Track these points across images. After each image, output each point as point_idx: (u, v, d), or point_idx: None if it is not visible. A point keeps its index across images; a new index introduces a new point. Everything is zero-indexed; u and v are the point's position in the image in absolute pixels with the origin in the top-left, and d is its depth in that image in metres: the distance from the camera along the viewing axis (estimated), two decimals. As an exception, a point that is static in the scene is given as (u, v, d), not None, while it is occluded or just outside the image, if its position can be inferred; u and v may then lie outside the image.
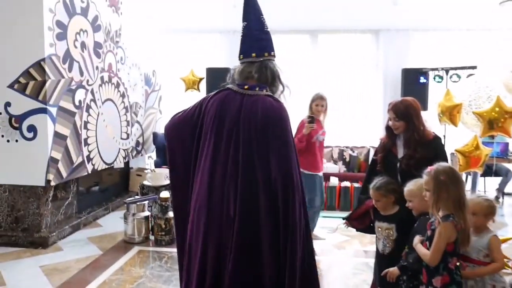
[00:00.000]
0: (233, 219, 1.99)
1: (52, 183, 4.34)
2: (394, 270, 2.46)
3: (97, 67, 5.09)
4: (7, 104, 4.25)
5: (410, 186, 2.49)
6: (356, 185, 6.11)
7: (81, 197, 5.27)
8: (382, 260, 2.76)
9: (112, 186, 6.10)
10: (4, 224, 4.50)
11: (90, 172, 5.03)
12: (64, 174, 4.52)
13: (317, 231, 4.82)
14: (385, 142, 2.86)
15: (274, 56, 2.24)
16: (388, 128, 2.84)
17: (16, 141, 4.28)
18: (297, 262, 2.00)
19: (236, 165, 2.04)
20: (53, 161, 4.31)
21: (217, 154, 2.07)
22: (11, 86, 4.21)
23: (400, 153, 2.76)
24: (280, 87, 2.24)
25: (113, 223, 5.15)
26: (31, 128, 4.23)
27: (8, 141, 4.29)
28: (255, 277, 2.00)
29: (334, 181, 6.22)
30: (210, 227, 2.02)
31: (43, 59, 4.13)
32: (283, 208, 1.99)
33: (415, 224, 2.45)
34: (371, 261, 4.06)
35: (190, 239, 2.09)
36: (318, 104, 4.56)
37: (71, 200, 5.01)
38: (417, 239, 2.30)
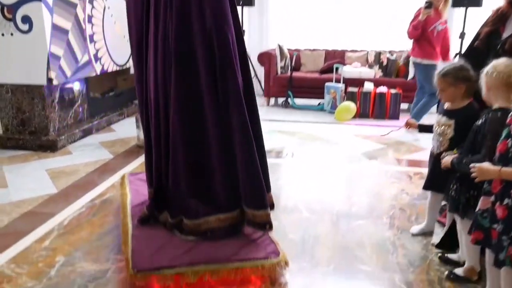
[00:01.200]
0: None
1: (55, 82, 3.94)
2: (448, 159, 2.00)
3: (99, -49, 4.43)
4: (-3, -9, 3.73)
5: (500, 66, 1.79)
6: (393, 91, 5.48)
7: (94, 102, 4.90)
8: (433, 162, 2.31)
9: (127, 91, 5.68)
10: (11, 127, 4.20)
11: (99, 73, 4.59)
12: (68, 73, 4.09)
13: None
14: (503, 11, 2.29)
15: None
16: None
17: (11, 34, 3.81)
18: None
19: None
20: (54, 57, 3.86)
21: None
22: (-1, -31, 3.66)
23: (507, 33, 2.23)
24: None
25: (127, 128, 4.81)
26: (26, 19, 3.74)
27: (2, 34, 3.83)
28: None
29: (368, 86, 5.59)
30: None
31: None
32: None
33: (480, 121, 1.89)
34: (411, 170, 3.61)
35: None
36: None
37: (81, 103, 4.64)
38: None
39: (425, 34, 4.49)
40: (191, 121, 2.18)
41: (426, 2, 4.33)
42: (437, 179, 2.31)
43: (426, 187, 2.45)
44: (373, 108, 5.50)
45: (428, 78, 4.14)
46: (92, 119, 4.81)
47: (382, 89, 5.52)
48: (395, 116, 5.44)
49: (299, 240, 2.43)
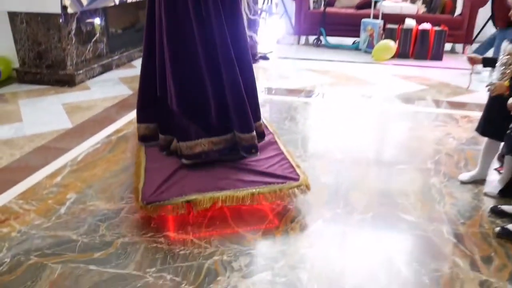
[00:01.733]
0: None
1: (70, 10, 3.66)
2: None
3: None
4: None
5: None
6: (437, 28, 4.96)
7: (114, 37, 4.63)
8: (490, 103, 1.99)
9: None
10: (27, 60, 3.99)
11: (117, 2, 4.27)
12: (84, 2, 3.80)
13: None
14: None
15: None
16: None
17: (21, -46, 3.51)
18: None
19: None
20: (67, -18, 3.56)
21: None
22: None
23: None
24: None
25: (148, 65, 4.54)
26: None
27: (12, -45, 3.53)
28: None
29: (410, 23, 5.07)
30: None
31: None
32: None
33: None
34: (457, 113, 3.24)
35: None
36: None
37: (100, 37, 4.37)
38: None
39: None
40: (181, 43, 2.05)
41: None
42: (493, 122, 2.00)
43: (481, 131, 2.13)
44: (414, 47, 5.02)
45: None
46: (112, 55, 4.55)
47: (425, 26, 5.00)
48: (438, 57, 4.97)
49: (332, 184, 2.18)
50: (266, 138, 2.29)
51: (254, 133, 2.11)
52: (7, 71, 4.01)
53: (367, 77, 4.23)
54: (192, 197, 1.79)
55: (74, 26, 3.94)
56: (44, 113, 3.17)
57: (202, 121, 2.09)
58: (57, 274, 1.55)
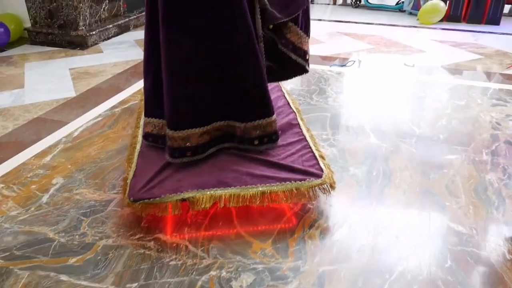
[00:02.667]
0: None
1: (79, -37, 3.31)
2: None
3: None
4: None
5: None
6: (496, -13, 4.31)
7: (131, -7, 4.26)
8: None
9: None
10: (39, 20, 3.72)
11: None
12: (96, -47, 3.43)
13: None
14: None
15: None
16: None
17: None
18: None
19: None
20: None
21: None
22: None
23: None
24: None
25: (168, 26, 4.18)
26: None
27: None
28: None
29: (464, -20, 4.44)
30: None
31: None
32: None
33: None
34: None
35: None
36: None
37: (116, -6, 4.03)
38: None
39: None
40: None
41: None
42: None
43: None
44: (467, 9, 4.41)
45: None
46: (129, 14, 4.21)
47: (482, -16, 4.36)
48: (495, 21, 4.34)
49: (364, 178, 1.80)
50: (286, 119, 1.92)
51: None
52: (19, 31, 3.76)
53: (411, 44, 3.71)
54: (190, 194, 1.47)
55: (86, -19, 3.61)
56: (48, 79, 2.90)
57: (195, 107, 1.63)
58: (21, 284, 1.29)
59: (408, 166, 1.89)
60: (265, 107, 1.65)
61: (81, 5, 3.59)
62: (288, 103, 2.11)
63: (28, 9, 3.71)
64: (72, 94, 2.66)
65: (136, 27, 4.19)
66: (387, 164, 1.90)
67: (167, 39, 1.52)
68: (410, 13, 4.69)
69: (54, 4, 3.59)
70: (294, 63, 1.80)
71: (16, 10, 3.76)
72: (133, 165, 1.64)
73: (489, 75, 3.00)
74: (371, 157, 1.95)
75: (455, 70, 3.10)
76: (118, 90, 2.70)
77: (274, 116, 1.68)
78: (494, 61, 3.29)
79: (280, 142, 1.73)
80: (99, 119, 2.32)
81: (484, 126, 2.26)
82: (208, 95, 1.60)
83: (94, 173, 1.83)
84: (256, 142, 1.67)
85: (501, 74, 3.01)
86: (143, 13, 4.33)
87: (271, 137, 1.68)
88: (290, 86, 2.67)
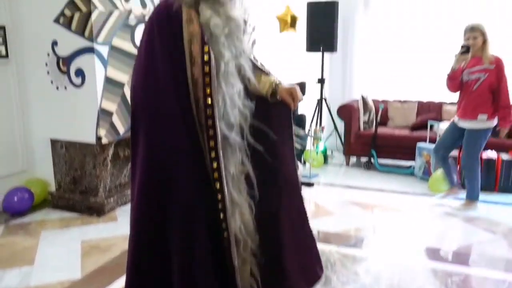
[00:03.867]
0: None
1: (104, 141, 3.61)
2: None
3: (166, -1, 4.14)
4: (54, 43, 3.54)
5: None
6: (505, 157, 4.42)
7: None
8: None
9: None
10: (63, 185, 3.95)
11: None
12: (121, 130, 3.76)
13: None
14: None
15: None
16: None
17: (65, 88, 3.59)
18: None
19: None
20: (104, 113, 3.55)
21: None
22: (56, 20, 3.46)
23: None
24: None
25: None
26: (79, 72, 3.49)
27: (57, 88, 3.63)
28: None
29: (472, 150, 4.58)
30: None
31: (88, -16, 3.28)
32: None
33: None
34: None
35: None
36: (468, 37, 3.61)
37: (138, 160, 4.29)
38: None
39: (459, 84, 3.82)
40: None
41: (462, 47, 3.60)
42: None
43: None
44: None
45: None
46: (149, 177, 4.43)
47: (490, 154, 4.49)
48: (508, 189, 4.36)
49: None
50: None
51: None
52: (43, 194, 3.97)
53: (423, 217, 3.71)
54: None
55: (111, 152, 3.89)
56: (59, 252, 2.97)
57: None
58: None
59: None
60: None
61: (103, 173, 3.83)
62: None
63: (55, 174, 3.97)
64: (77, 274, 2.67)
65: (154, 189, 4.38)
66: None
67: None
68: (421, 178, 4.78)
69: (79, 172, 3.84)
70: None
71: (44, 174, 4.02)
72: None
73: (507, 264, 2.89)
74: None
75: (465, 256, 3.01)
76: (122, 272, 2.70)
77: None
78: (510, 242, 3.21)
79: None
80: (99, 310, 2.29)
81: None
82: None
83: None
84: None
85: (517, 260, 2.91)
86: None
87: None
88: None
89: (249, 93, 1.87)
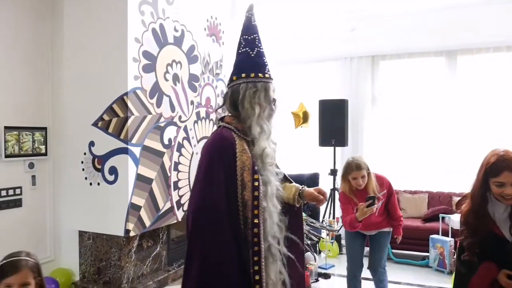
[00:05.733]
0: None
1: (132, 233, 3.81)
2: None
3: (192, 102, 4.58)
4: (91, 144, 3.90)
5: None
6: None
7: (173, 247, 4.70)
8: None
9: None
10: (87, 275, 4.09)
11: (180, 219, 4.44)
12: (147, 223, 3.98)
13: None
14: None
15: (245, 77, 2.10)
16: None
17: (98, 184, 3.88)
18: None
19: None
20: (134, 208, 3.80)
21: None
22: (95, 124, 3.86)
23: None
24: (251, 109, 2.04)
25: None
26: (113, 170, 3.80)
27: (90, 184, 3.92)
28: None
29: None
30: None
31: (126, 94, 3.71)
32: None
33: None
34: None
35: None
36: (356, 177, 3.28)
37: (160, 251, 4.46)
38: None
39: None
40: None
41: (368, 199, 3.14)
42: None
43: None
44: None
45: None
46: (169, 267, 4.55)
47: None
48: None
49: None
50: None
51: None
52: (67, 284, 4.09)
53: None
54: None
55: (135, 243, 4.08)
56: None
57: None
58: None
59: None
60: None
61: (127, 264, 3.98)
62: None
63: (80, 264, 4.13)
64: None
65: (174, 280, 4.48)
66: None
67: None
68: (436, 270, 4.83)
69: (104, 262, 4.00)
70: None
71: (69, 264, 4.18)
72: None
73: None
74: None
75: None
76: None
77: None
78: None
79: None
80: None
81: None
82: None
83: None
84: None
85: None
86: (182, 266, 4.67)
87: None
88: None
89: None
